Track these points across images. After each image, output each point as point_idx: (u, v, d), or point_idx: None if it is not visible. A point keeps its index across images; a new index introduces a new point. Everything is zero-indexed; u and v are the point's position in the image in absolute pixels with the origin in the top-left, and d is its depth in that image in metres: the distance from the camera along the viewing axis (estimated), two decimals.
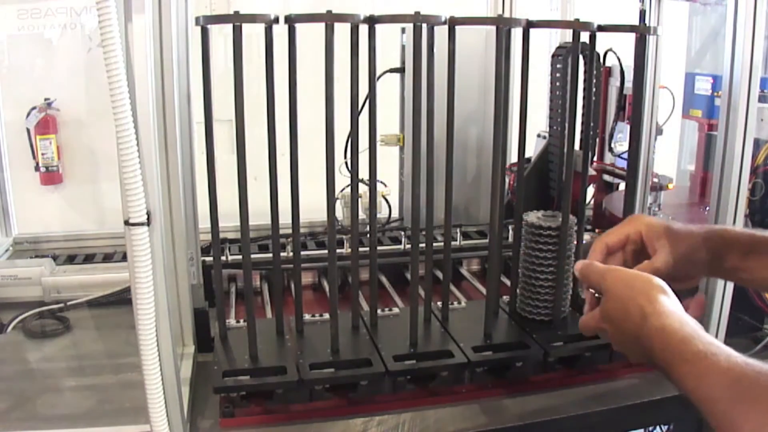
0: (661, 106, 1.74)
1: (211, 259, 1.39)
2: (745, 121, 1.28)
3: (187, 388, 1.26)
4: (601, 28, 1.32)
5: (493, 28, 1.28)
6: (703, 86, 1.93)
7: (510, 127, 1.37)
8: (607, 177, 2.06)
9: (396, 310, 1.51)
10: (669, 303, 0.84)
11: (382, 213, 2.15)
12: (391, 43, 2.13)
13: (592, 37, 1.36)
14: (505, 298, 1.53)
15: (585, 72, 1.74)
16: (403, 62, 2.10)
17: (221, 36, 2.19)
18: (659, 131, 1.85)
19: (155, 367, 1.04)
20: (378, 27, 1.22)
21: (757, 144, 1.49)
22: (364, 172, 1.32)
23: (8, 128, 2.27)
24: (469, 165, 2.11)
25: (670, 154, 2.28)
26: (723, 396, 0.71)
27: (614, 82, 1.99)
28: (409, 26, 1.24)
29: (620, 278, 0.91)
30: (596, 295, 0.98)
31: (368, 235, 1.38)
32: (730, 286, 1.39)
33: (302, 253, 1.48)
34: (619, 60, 1.93)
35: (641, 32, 1.33)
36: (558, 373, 1.36)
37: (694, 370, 0.75)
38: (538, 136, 2.12)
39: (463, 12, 1.28)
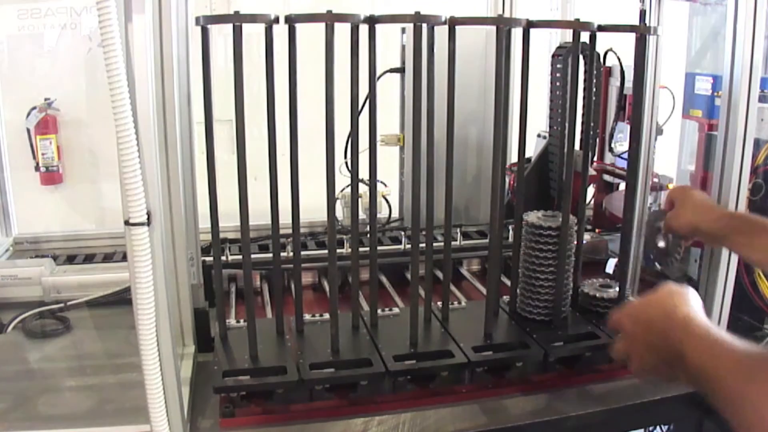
0: (661, 106, 1.73)
1: (211, 259, 1.39)
2: (745, 121, 1.28)
3: (187, 388, 1.26)
4: (601, 28, 1.32)
5: (493, 28, 1.28)
6: (703, 86, 1.93)
7: (510, 127, 1.37)
8: (607, 177, 2.06)
9: (396, 310, 1.51)
10: (699, 305, 0.93)
11: (382, 213, 2.15)
12: (391, 43, 2.13)
13: (592, 37, 1.36)
14: (505, 298, 1.53)
15: (585, 72, 1.74)
16: (403, 62, 2.10)
17: (221, 36, 2.19)
18: (659, 131, 1.85)
19: (155, 367, 1.04)
20: (378, 27, 1.22)
21: (757, 144, 1.49)
22: (364, 172, 1.32)
23: (8, 128, 2.27)
24: (469, 165, 2.11)
25: (670, 154, 2.27)
26: (734, 375, 0.78)
27: (614, 82, 1.99)
28: (409, 26, 1.24)
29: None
30: None
31: (368, 235, 1.38)
32: (730, 286, 1.39)
33: (302, 253, 1.48)
34: (619, 60, 1.93)
35: (641, 32, 1.33)
36: (558, 373, 1.36)
37: (707, 347, 0.83)
38: (538, 136, 2.12)
39: (463, 12, 1.28)
